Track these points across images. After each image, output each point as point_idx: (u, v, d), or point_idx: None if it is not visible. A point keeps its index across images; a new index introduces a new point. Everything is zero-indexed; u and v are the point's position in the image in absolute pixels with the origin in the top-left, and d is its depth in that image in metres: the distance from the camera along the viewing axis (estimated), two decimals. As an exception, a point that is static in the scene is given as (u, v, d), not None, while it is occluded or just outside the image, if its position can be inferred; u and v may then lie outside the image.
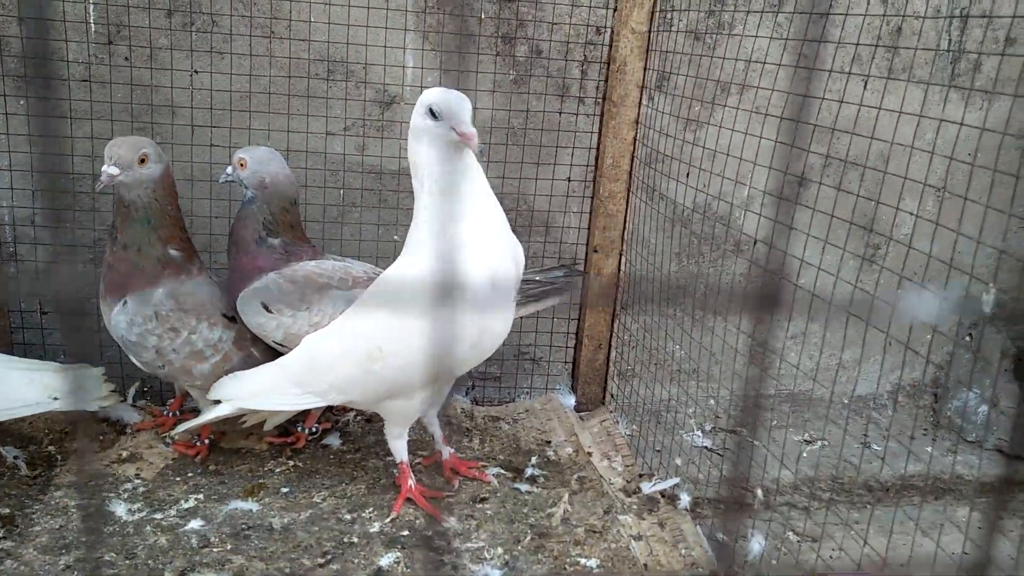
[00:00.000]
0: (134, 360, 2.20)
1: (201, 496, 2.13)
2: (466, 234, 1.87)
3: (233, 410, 2.11)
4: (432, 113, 1.80)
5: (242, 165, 2.15)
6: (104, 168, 2.01)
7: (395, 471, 2.17)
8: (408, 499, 2.11)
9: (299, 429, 2.40)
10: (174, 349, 2.13)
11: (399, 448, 2.12)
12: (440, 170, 1.86)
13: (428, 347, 1.90)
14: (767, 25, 2.70)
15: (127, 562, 1.86)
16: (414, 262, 1.93)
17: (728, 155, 2.27)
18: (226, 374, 2.18)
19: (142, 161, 2.04)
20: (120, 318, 2.12)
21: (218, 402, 2.14)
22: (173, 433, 2.32)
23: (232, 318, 2.20)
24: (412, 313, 1.85)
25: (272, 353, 2.20)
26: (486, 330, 1.95)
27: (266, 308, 2.12)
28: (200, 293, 2.18)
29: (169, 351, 2.13)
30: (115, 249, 2.11)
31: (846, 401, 3.22)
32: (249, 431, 2.38)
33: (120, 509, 2.06)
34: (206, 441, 2.33)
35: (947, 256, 1.76)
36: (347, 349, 1.97)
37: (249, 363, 2.19)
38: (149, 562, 1.87)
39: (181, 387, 2.40)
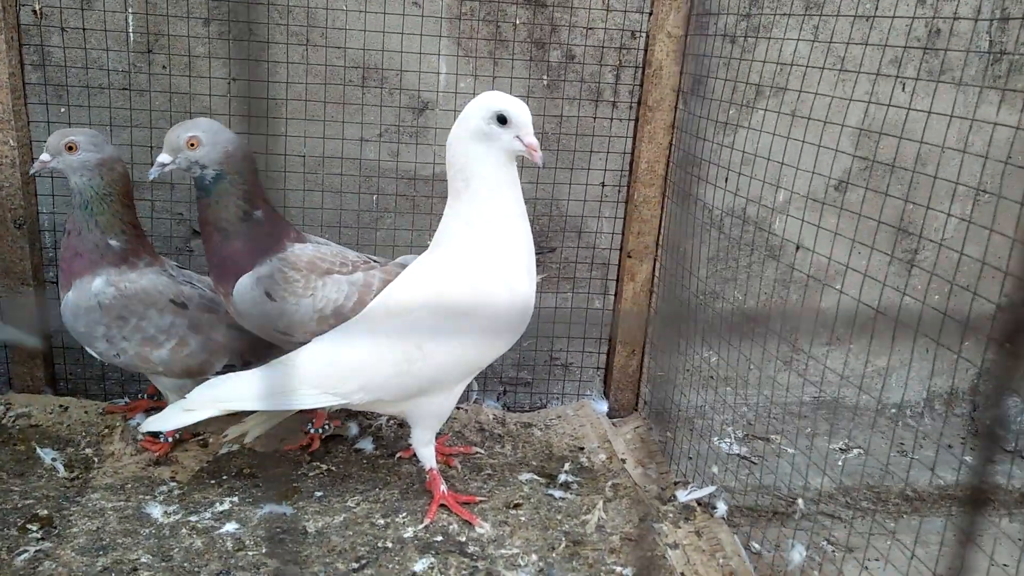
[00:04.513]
0: (90, 351, 2.20)
1: (236, 499, 2.13)
2: (501, 241, 1.92)
3: (220, 412, 2.01)
4: (499, 119, 1.82)
5: (193, 145, 1.99)
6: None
7: (427, 477, 2.16)
8: (442, 505, 2.10)
9: (310, 430, 2.41)
10: (124, 337, 2.13)
11: (428, 455, 2.11)
12: (495, 176, 1.87)
13: (468, 343, 1.93)
14: (806, 28, 2.67)
15: (163, 564, 1.87)
16: (448, 260, 1.94)
17: (767, 159, 2.25)
18: (186, 359, 2.18)
19: (70, 148, 2.09)
20: (65, 310, 2.14)
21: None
22: (142, 429, 2.17)
23: (183, 304, 2.18)
24: (449, 316, 1.87)
25: (237, 338, 2.19)
26: (525, 316, 1.99)
27: (269, 296, 2.06)
28: (143, 281, 2.16)
29: (119, 339, 2.14)
30: (65, 236, 2.18)
31: (889, 409, 3.16)
32: (283, 436, 2.39)
33: (156, 511, 2.07)
34: (170, 440, 2.33)
35: (991, 260, 1.72)
36: (381, 350, 1.94)
37: (209, 347, 2.19)
38: (185, 564, 1.88)
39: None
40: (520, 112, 1.82)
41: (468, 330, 1.92)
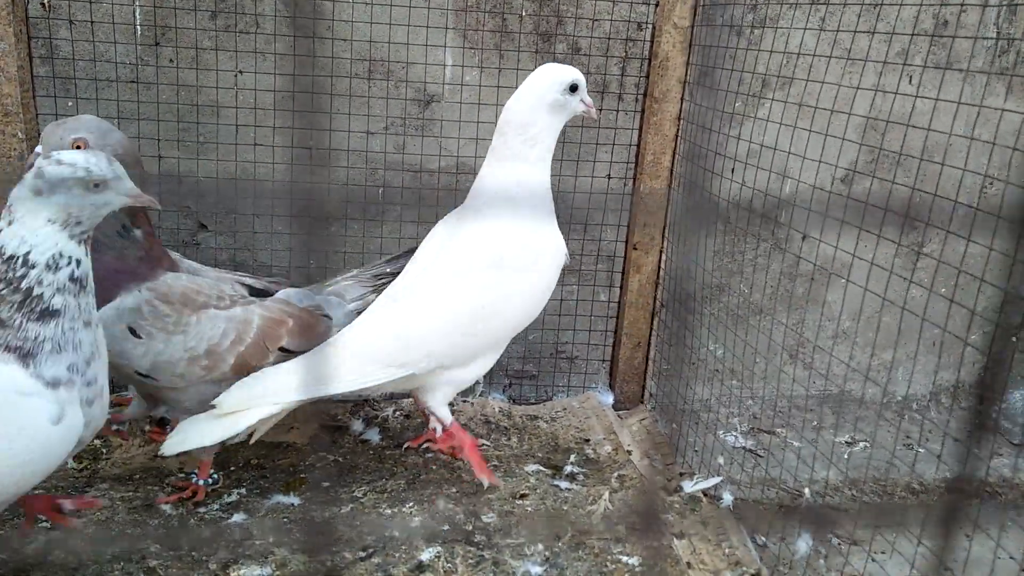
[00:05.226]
0: None
1: (243, 490, 2.15)
2: (548, 200, 2.10)
3: (279, 410, 1.95)
4: (571, 88, 2.01)
5: (79, 147, 1.79)
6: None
7: (436, 454, 2.17)
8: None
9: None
10: None
11: (447, 413, 2.15)
12: (552, 142, 2.05)
13: (526, 300, 2.05)
14: (813, 19, 2.66)
15: (172, 553, 1.89)
16: (506, 218, 2.06)
17: (774, 149, 2.24)
18: None
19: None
20: None
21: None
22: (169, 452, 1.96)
23: None
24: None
25: None
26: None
27: (133, 333, 1.87)
28: None
29: None
30: None
31: (895, 402, 3.16)
32: (291, 425, 2.40)
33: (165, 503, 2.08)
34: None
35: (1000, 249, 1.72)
36: (448, 315, 1.99)
37: None
38: (193, 554, 1.89)
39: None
40: (583, 78, 2.04)
41: (528, 286, 2.04)
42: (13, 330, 1.46)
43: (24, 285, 1.46)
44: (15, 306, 1.46)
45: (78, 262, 1.51)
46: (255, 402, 1.93)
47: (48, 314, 1.47)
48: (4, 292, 1.47)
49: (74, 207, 1.47)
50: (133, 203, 1.57)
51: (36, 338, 1.47)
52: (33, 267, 1.47)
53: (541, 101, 2.00)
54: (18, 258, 1.46)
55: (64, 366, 1.49)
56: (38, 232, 1.46)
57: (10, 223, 1.47)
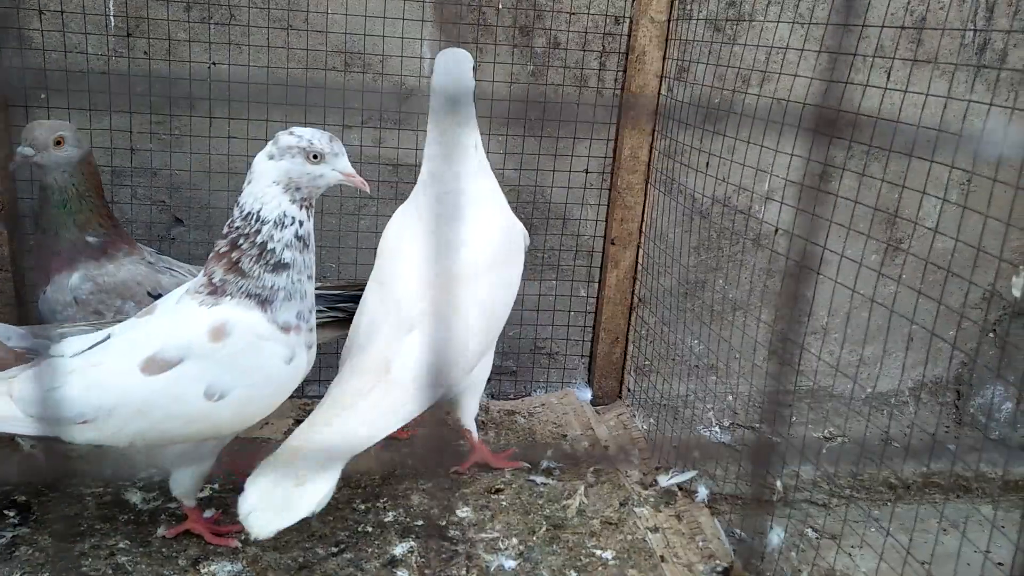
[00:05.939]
0: None
1: (216, 485, 2.12)
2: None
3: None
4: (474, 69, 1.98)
5: (59, 143, 2.01)
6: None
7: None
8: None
9: None
10: None
11: (474, 426, 2.20)
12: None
13: (514, 289, 2.12)
14: (788, 14, 2.66)
15: (141, 550, 1.86)
16: (493, 210, 2.09)
17: (748, 142, 2.24)
18: None
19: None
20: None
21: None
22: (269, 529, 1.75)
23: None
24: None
25: None
26: None
27: None
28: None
29: None
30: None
31: (873, 398, 3.17)
32: (265, 421, 2.37)
33: (135, 498, 2.06)
34: None
35: (972, 242, 1.73)
36: (470, 325, 1.97)
37: None
38: (163, 550, 1.87)
39: None
40: None
41: (515, 277, 2.09)
42: (254, 279, 1.67)
43: (259, 239, 1.66)
44: (254, 259, 1.66)
45: (301, 223, 1.69)
46: (332, 459, 1.80)
47: (280, 266, 1.67)
48: (244, 245, 1.66)
49: (295, 173, 1.66)
50: (346, 181, 1.72)
51: (272, 287, 1.67)
52: (264, 223, 1.66)
53: (466, 86, 1.93)
54: (253, 214, 1.66)
55: (294, 313, 1.70)
56: (266, 191, 1.66)
57: (249, 182, 1.68)
